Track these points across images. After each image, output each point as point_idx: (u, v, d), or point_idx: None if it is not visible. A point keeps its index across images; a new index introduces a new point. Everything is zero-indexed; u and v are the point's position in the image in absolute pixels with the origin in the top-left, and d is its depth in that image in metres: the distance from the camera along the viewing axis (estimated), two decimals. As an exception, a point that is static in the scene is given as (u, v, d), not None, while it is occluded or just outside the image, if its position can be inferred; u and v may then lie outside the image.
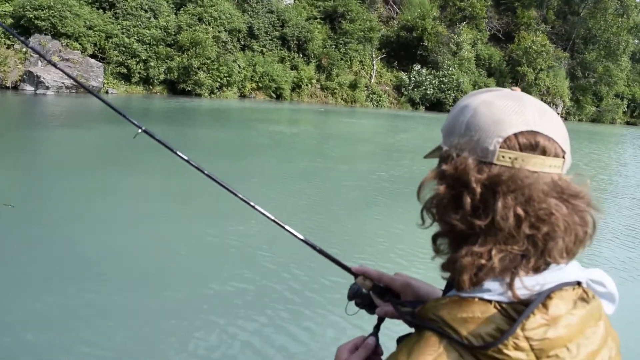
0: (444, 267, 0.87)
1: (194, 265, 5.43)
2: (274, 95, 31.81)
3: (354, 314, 1.24)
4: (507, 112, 0.82)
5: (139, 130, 1.66)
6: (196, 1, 30.23)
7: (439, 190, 0.85)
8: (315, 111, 28.45)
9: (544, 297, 0.78)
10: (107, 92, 25.31)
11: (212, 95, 28.51)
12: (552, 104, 43.07)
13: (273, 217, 1.38)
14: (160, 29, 27.86)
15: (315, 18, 35.83)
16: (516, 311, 0.78)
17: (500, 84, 40.79)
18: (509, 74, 41.59)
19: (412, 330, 0.93)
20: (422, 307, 0.87)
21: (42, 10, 24.06)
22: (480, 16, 41.17)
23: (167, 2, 29.74)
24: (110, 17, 26.93)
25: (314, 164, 12.54)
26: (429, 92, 36.85)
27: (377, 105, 35.94)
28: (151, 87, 27.42)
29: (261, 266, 5.43)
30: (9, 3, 24.56)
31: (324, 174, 11.34)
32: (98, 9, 26.97)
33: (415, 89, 37.02)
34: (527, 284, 0.79)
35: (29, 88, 22.78)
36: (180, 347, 3.90)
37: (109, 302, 4.47)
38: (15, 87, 22.95)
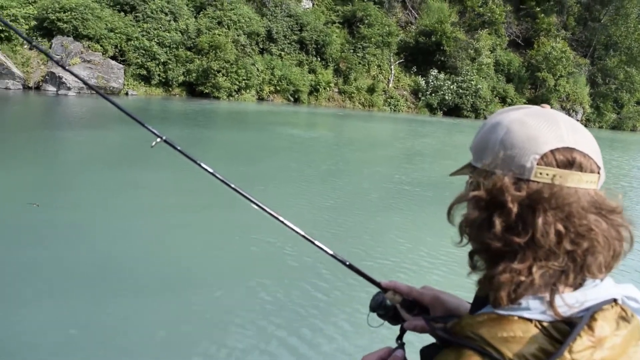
0: (481, 283, 0.87)
1: (214, 272, 5.40)
2: (292, 99, 31.87)
3: (377, 326, 1.23)
4: (541, 129, 0.83)
5: (159, 140, 1.69)
6: (216, 5, 30.41)
7: (473, 211, 0.86)
8: (333, 115, 28.43)
9: (588, 318, 0.77)
10: (127, 94, 25.54)
11: (231, 98, 28.64)
12: (571, 111, 42.58)
13: (303, 233, 1.38)
14: (180, 32, 28.06)
15: (334, 22, 35.87)
16: (558, 330, 0.77)
17: (519, 90, 40.46)
18: (528, 80, 41.23)
19: (433, 341, 0.96)
20: (456, 323, 0.86)
21: (65, 12, 24.38)
22: (500, 22, 40.89)
23: (187, 5, 29.96)
24: (131, 20, 27.20)
25: (334, 167, 12.51)
26: (447, 97, 36.66)
27: (394, 110, 35.84)
28: (170, 89, 27.62)
29: (285, 275, 5.36)
30: (32, 5, 24.91)
31: (345, 177, 11.29)
32: (119, 11, 27.26)
33: (433, 94, 36.85)
34: (568, 302, 0.79)
35: (51, 88, 23.07)
36: (196, 352, 3.86)
37: (127, 305, 4.45)
38: (37, 88, 23.26)
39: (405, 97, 37.34)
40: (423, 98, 37.04)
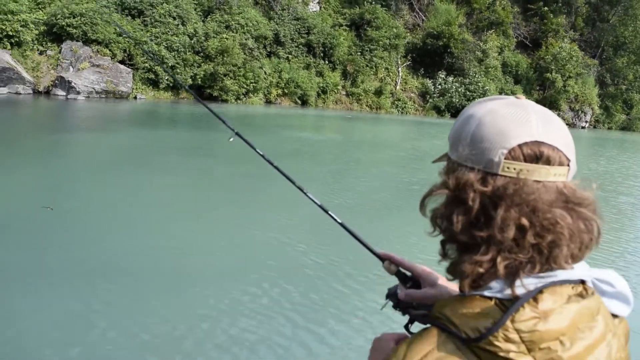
0: (448, 270, 0.91)
1: (219, 266, 5.42)
2: (299, 102, 31.94)
3: (382, 307, 1.31)
4: (511, 122, 0.84)
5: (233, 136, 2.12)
6: (224, 9, 30.58)
7: (442, 202, 0.89)
8: (341, 117, 28.44)
9: (535, 292, 0.80)
10: (135, 98, 25.69)
11: (238, 101, 28.74)
12: (580, 112, 42.36)
13: (319, 203, 1.61)
14: (188, 36, 28.20)
15: (341, 25, 35.94)
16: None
17: (527, 91, 40.29)
18: (536, 81, 41.07)
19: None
20: (433, 308, 0.90)
21: (74, 17, 24.57)
22: (507, 23, 40.78)
23: (195, 10, 30.12)
24: (139, 24, 27.37)
25: (343, 167, 12.51)
26: (454, 99, 36.59)
27: (402, 112, 35.82)
28: (178, 93, 27.76)
29: (288, 272, 5.38)
30: (42, 11, 25.13)
31: (353, 177, 11.29)
32: (127, 16, 27.44)
33: (441, 96, 36.81)
34: (525, 282, 0.81)
35: (60, 93, 23.24)
36: (199, 347, 3.87)
37: (130, 302, 4.48)
38: (47, 92, 23.46)
39: (413, 99, 37.32)
40: (430, 100, 37.00)
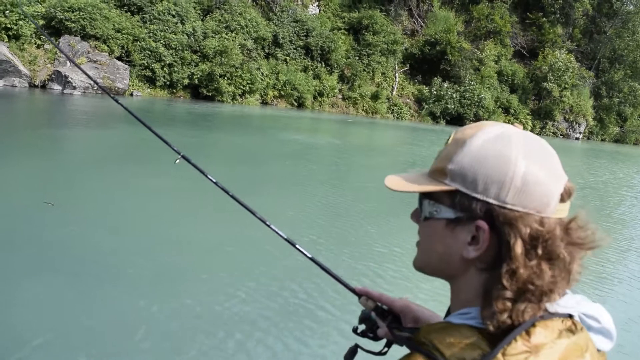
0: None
1: (206, 269, 5.48)
2: (296, 104, 31.99)
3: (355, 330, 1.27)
4: (552, 162, 0.84)
5: (179, 157, 1.93)
6: (223, 9, 30.59)
7: (482, 239, 0.84)
8: (338, 121, 28.51)
9: (528, 325, 0.79)
10: (132, 95, 25.68)
11: (234, 102, 28.77)
12: (575, 123, 42.62)
13: (285, 236, 1.49)
14: (187, 34, 28.21)
15: (340, 29, 36.02)
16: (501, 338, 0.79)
17: (523, 100, 40.50)
18: (532, 91, 41.29)
19: None
20: (417, 332, 0.88)
21: (73, 12, 24.54)
22: (505, 32, 41.00)
23: (195, 8, 30.12)
24: (138, 21, 27.37)
25: (336, 172, 12.57)
26: (450, 106, 36.74)
27: (397, 117, 35.95)
28: (175, 92, 27.76)
29: (282, 276, 5.44)
30: (41, 4, 25.09)
31: (346, 182, 11.36)
32: (126, 12, 27.43)
33: (437, 103, 36.95)
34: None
35: (56, 87, 23.21)
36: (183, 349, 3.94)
37: (124, 301, 4.53)
38: (43, 86, 23.41)
39: (409, 105, 37.46)
40: (426, 106, 37.13)
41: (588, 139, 44.22)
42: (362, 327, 1.25)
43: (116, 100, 2.34)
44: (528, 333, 0.79)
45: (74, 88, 23.19)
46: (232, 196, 1.66)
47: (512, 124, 0.90)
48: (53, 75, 23.49)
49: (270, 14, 33.11)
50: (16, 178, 8.12)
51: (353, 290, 1.27)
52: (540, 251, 0.81)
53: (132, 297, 4.56)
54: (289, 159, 13.52)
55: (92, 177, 8.79)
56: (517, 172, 0.82)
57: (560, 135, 41.86)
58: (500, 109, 38.95)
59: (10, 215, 6.25)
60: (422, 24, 40.38)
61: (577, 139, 42.79)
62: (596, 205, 12.24)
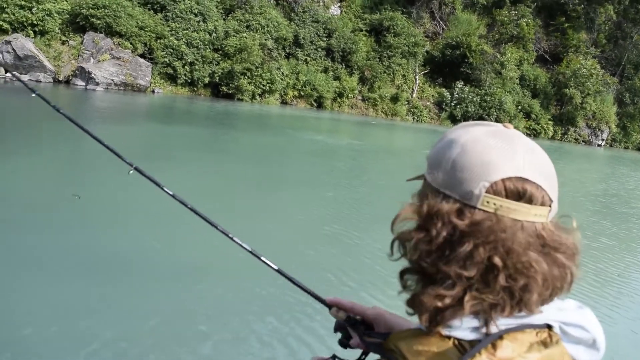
0: (408, 303, 0.84)
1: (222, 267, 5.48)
2: (315, 104, 32.00)
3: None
4: (496, 154, 0.79)
5: (131, 170, 1.91)
6: (245, 8, 30.75)
7: (414, 227, 0.82)
8: (357, 122, 28.45)
9: (495, 337, 0.76)
10: (153, 92, 25.92)
11: (254, 101, 28.88)
12: (597, 129, 41.96)
13: (250, 249, 1.46)
14: (209, 33, 28.40)
15: (361, 30, 35.94)
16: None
17: (544, 106, 39.99)
18: (554, 96, 40.74)
19: None
20: (387, 339, 0.86)
21: (98, 9, 24.87)
22: (528, 37, 40.53)
23: (217, 7, 30.31)
24: (161, 19, 27.64)
25: (353, 172, 12.53)
26: (470, 109, 36.43)
27: (417, 120, 35.75)
28: (195, 89, 27.96)
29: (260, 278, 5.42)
30: (67, 1, 25.46)
31: (363, 182, 11.32)
32: (149, 10, 27.72)
33: (457, 106, 36.67)
34: (491, 325, 0.78)
35: (80, 83, 23.55)
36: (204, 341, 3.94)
37: (136, 289, 4.57)
38: (67, 81, 23.77)
39: (429, 107, 37.23)
40: (447, 109, 36.88)
41: (610, 146, 43.50)
42: (338, 336, 1.22)
43: (33, 90, 2.31)
44: (494, 346, 0.75)
45: (97, 84, 23.49)
46: (191, 209, 1.63)
47: (504, 124, 0.87)
48: (77, 71, 23.84)
49: (292, 15, 33.18)
50: (43, 170, 8.23)
51: (323, 302, 1.24)
52: (471, 248, 0.76)
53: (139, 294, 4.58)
54: (310, 159, 13.52)
55: (111, 172, 8.87)
56: (452, 153, 0.81)
57: (582, 141, 41.23)
58: (522, 113, 38.48)
59: (35, 205, 6.33)
60: (444, 26, 40.12)
61: (599, 145, 42.12)
62: (623, 213, 12.03)
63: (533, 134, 38.25)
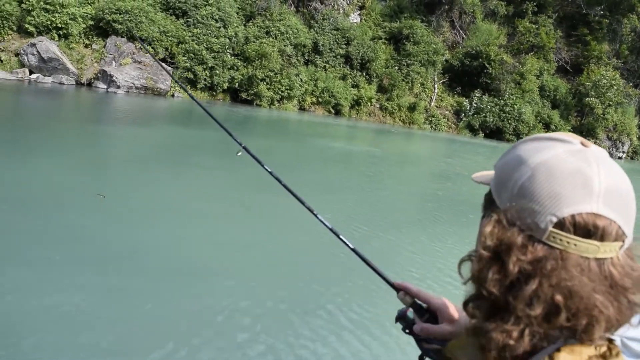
0: (471, 332, 0.80)
1: (239, 266, 5.49)
2: (333, 111, 32.03)
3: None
4: (568, 184, 0.73)
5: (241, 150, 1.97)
6: (265, 15, 30.96)
7: (480, 253, 0.78)
8: (378, 131, 28.43)
9: (553, 350, 0.73)
10: (173, 96, 26.17)
11: (272, 107, 28.99)
12: (618, 142, 41.39)
13: (331, 226, 1.54)
14: (229, 38, 28.63)
15: (380, 38, 35.95)
16: None
17: (564, 117, 39.58)
18: (574, 107, 40.29)
19: None
20: (445, 346, 0.85)
21: (120, 14, 25.22)
22: (549, 47, 40.21)
23: (237, 14, 30.55)
24: (182, 24, 27.92)
25: (373, 179, 12.50)
26: (488, 119, 36.18)
27: (435, 129, 35.57)
28: (215, 94, 28.17)
29: (304, 276, 5.39)
30: (90, 6, 25.87)
31: (382, 189, 11.28)
32: (171, 15, 28.03)
33: (475, 115, 36.45)
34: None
35: (101, 86, 23.85)
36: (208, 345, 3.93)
37: (146, 286, 4.57)
38: (89, 84, 24.10)
39: (447, 116, 37.06)
40: (465, 119, 36.67)
41: (632, 158, 42.86)
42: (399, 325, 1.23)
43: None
44: (551, 358, 0.73)
45: (118, 87, 23.77)
46: (284, 185, 1.78)
47: (582, 142, 0.79)
48: (99, 74, 24.16)
49: (312, 22, 33.33)
50: (67, 170, 8.33)
51: (392, 285, 1.25)
52: (535, 286, 0.72)
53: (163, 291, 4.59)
54: (328, 164, 13.51)
55: (134, 172, 8.95)
56: (521, 177, 0.77)
57: (603, 153, 40.64)
58: (541, 124, 38.12)
59: (60, 205, 6.40)
60: (464, 35, 39.99)
61: (620, 158, 41.52)
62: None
63: (552, 145, 37.74)
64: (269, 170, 1.89)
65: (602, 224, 0.72)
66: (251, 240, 6.26)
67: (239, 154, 2.09)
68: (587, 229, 0.72)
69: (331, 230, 1.52)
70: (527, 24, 40.05)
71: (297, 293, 4.90)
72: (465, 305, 0.83)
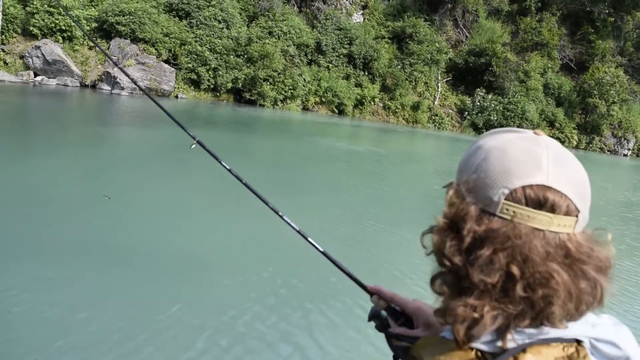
0: (439, 314, 0.82)
1: (221, 261, 5.51)
2: (336, 111, 32.05)
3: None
4: (519, 160, 0.77)
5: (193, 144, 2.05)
6: (268, 15, 31.03)
7: (439, 222, 0.82)
8: (383, 130, 28.41)
9: (518, 350, 0.74)
10: (177, 97, 26.26)
11: (275, 107, 29.04)
12: (623, 139, 41.20)
13: (298, 228, 1.48)
14: (232, 39, 28.69)
15: (383, 37, 35.93)
16: None
17: (569, 114, 39.44)
18: (578, 105, 40.12)
19: None
20: (414, 344, 0.85)
21: (124, 16, 25.35)
22: (553, 44, 40.05)
23: (240, 14, 30.63)
24: (185, 26, 28.02)
25: (374, 177, 12.51)
26: (492, 117, 36.08)
27: (438, 128, 35.53)
28: (218, 95, 28.24)
29: (281, 273, 5.39)
30: (94, 8, 26.01)
31: (384, 188, 11.29)
32: (174, 16, 28.13)
33: (479, 114, 36.36)
34: (516, 336, 0.76)
35: (105, 87, 23.98)
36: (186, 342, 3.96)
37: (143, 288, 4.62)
38: (93, 86, 24.24)
39: (451, 115, 37.00)
40: (468, 117, 36.60)
41: (637, 155, 42.66)
42: (372, 324, 1.21)
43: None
44: (516, 359, 0.73)
45: (122, 89, 23.89)
46: (245, 184, 1.66)
47: (534, 131, 0.85)
48: (103, 76, 24.30)
49: (315, 22, 33.36)
50: (71, 171, 8.40)
51: (365, 288, 1.24)
52: (489, 253, 0.74)
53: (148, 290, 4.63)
54: (332, 164, 13.54)
55: (135, 173, 9.01)
56: (477, 159, 0.81)
57: (608, 151, 40.51)
58: (545, 121, 38.00)
59: (72, 202, 6.46)
60: (467, 34, 39.90)
61: (625, 155, 41.34)
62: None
63: (557, 142, 37.66)
64: (228, 167, 1.80)
65: (552, 196, 0.75)
66: (242, 236, 6.29)
67: (193, 146, 2.10)
68: (538, 200, 0.75)
69: (299, 232, 1.48)
70: (530, 21, 39.92)
71: (275, 291, 4.93)
72: (432, 282, 0.84)
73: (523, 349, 0.74)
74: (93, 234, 5.58)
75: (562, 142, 37.47)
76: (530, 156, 0.77)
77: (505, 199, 0.76)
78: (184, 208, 7.22)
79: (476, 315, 0.75)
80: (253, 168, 11.19)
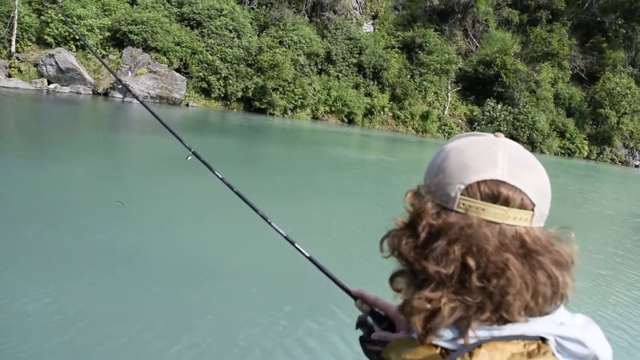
0: (401, 309, 0.83)
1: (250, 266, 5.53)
2: (346, 120, 32.13)
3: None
4: (475, 158, 0.80)
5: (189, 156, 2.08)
6: (278, 25, 31.27)
7: (397, 222, 0.85)
8: (387, 138, 28.43)
9: (474, 346, 0.75)
10: (187, 105, 26.46)
11: (285, 115, 29.17)
12: (635, 150, 40.91)
13: (285, 234, 1.51)
14: (242, 48, 28.92)
15: (393, 47, 36.05)
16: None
17: (579, 125, 39.25)
18: (589, 115, 39.93)
19: None
20: (385, 347, 0.86)
21: (136, 25, 25.66)
22: (563, 55, 39.96)
23: (251, 24, 30.91)
24: (196, 35, 28.29)
25: (373, 189, 12.51)
26: (502, 128, 35.97)
27: (448, 137, 35.47)
28: (228, 103, 28.43)
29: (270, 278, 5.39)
30: (107, 17, 26.35)
31: (377, 199, 11.28)
32: (186, 26, 28.42)
33: (489, 124, 36.29)
34: (478, 333, 0.77)
35: (117, 95, 24.23)
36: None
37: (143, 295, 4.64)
38: (105, 94, 24.50)
39: (460, 125, 36.97)
40: (478, 127, 36.54)
41: (649, 167, 42.36)
42: (360, 333, 1.21)
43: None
44: (471, 354, 0.75)
45: (134, 97, 24.10)
46: (236, 192, 1.71)
47: (494, 134, 0.88)
48: (115, 84, 24.54)
49: (325, 31, 33.56)
50: (85, 177, 8.49)
51: (349, 292, 1.25)
52: (444, 245, 0.77)
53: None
54: (344, 171, 13.57)
55: (146, 179, 9.08)
56: (439, 160, 0.85)
57: (619, 162, 40.22)
58: (556, 132, 37.84)
59: (86, 207, 6.52)
60: (477, 44, 39.94)
61: (636, 166, 41.02)
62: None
63: (567, 153, 37.55)
64: (220, 176, 1.84)
65: (506, 190, 0.77)
66: (244, 243, 6.32)
67: (189, 158, 2.11)
68: (492, 194, 0.78)
69: (286, 238, 1.50)
70: (540, 31, 39.88)
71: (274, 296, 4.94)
72: (391, 281, 0.87)
73: (479, 344, 0.75)
74: (104, 240, 5.63)
75: (573, 153, 37.48)
76: (487, 154, 0.81)
77: (461, 194, 0.79)
78: (190, 213, 7.27)
79: (431, 306, 0.77)
80: (265, 176, 11.25)
